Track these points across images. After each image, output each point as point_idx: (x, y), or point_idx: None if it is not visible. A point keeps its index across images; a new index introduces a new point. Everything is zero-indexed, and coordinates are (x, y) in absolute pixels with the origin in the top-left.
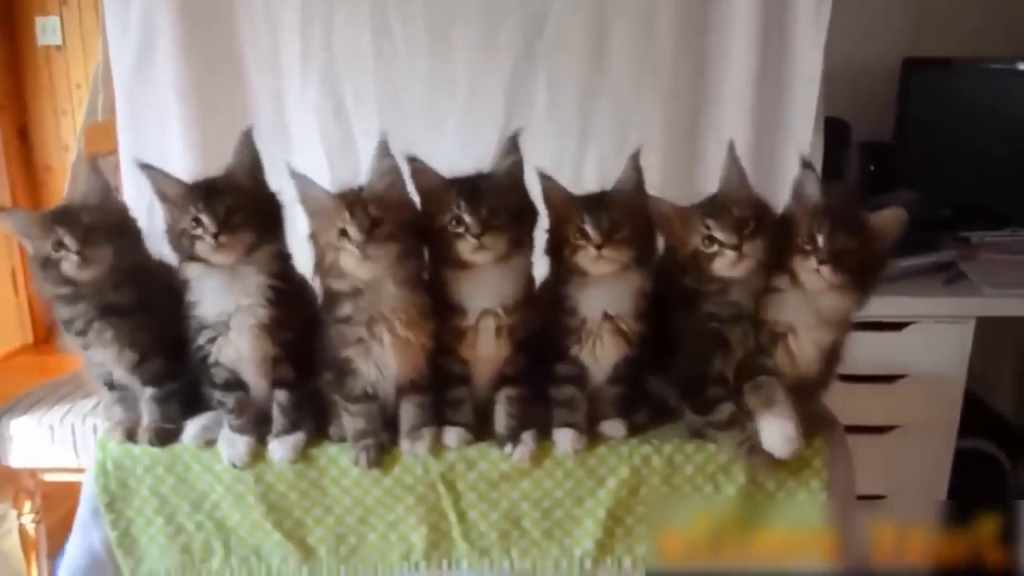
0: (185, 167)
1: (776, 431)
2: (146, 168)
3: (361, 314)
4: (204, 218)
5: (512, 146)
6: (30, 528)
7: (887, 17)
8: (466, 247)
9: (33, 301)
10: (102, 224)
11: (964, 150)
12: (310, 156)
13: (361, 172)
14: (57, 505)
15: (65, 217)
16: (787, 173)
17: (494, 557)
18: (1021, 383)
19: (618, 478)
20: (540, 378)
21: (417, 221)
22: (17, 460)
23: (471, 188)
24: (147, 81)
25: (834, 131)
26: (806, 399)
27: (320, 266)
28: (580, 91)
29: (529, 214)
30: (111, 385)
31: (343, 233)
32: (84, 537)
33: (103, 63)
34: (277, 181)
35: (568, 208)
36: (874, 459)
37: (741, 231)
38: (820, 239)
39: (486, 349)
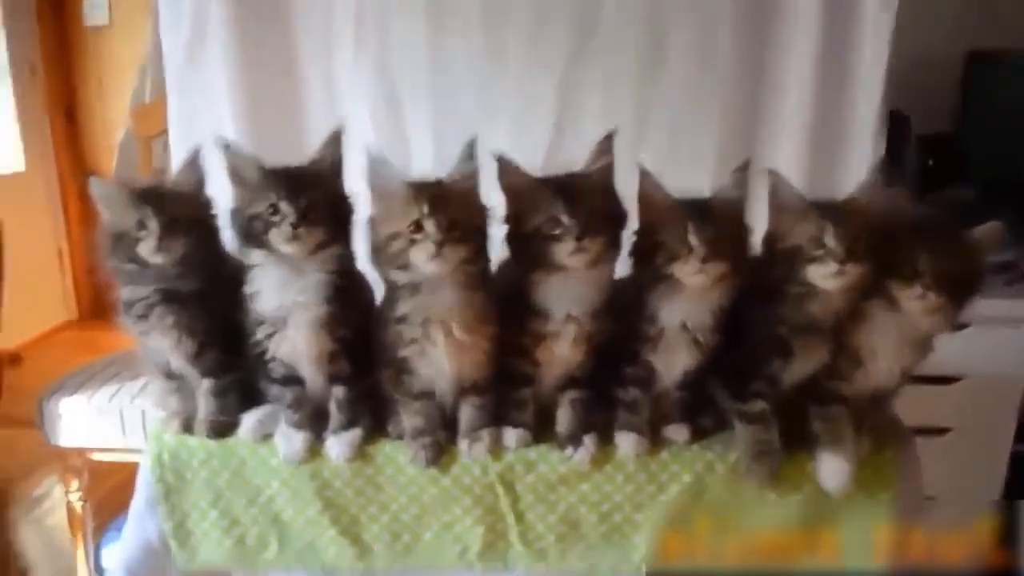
0: None
1: (835, 469)
2: (225, 148)
3: (417, 314)
4: (284, 206)
5: (607, 146)
6: (77, 506)
7: (950, 9)
8: (563, 250)
9: (79, 280)
10: (185, 215)
11: None
12: (361, 147)
13: (412, 165)
14: (102, 482)
15: (154, 198)
16: (847, 173)
17: (551, 560)
18: None
19: (680, 484)
20: (606, 379)
21: (487, 226)
22: (66, 439)
23: (569, 189)
24: (199, 63)
25: (894, 124)
26: (878, 408)
27: (379, 253)
28: (633, 93)
29: (620, 218)
30: (168, 374)
31: (417, 226)
32: (139, 527)
33: (153, 45)
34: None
35: (668, 214)
36: (926, 461)
37: (853, 248)
38: (922, 264)
39: (562, 353)
